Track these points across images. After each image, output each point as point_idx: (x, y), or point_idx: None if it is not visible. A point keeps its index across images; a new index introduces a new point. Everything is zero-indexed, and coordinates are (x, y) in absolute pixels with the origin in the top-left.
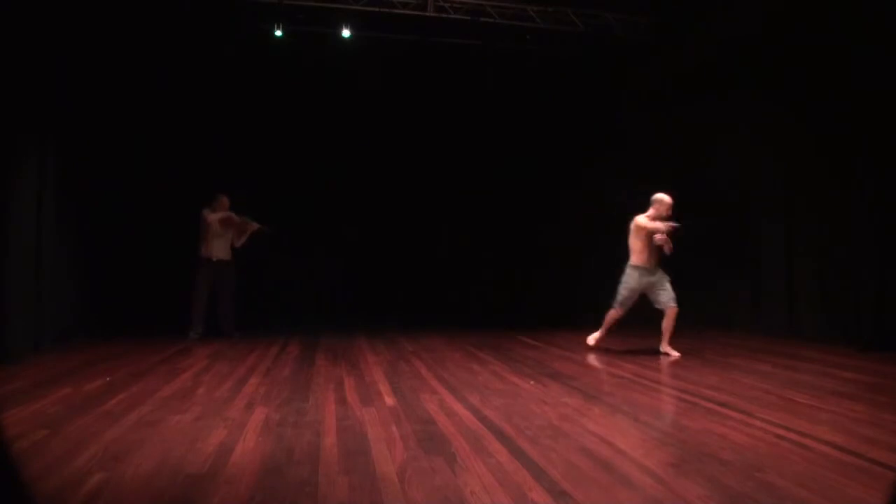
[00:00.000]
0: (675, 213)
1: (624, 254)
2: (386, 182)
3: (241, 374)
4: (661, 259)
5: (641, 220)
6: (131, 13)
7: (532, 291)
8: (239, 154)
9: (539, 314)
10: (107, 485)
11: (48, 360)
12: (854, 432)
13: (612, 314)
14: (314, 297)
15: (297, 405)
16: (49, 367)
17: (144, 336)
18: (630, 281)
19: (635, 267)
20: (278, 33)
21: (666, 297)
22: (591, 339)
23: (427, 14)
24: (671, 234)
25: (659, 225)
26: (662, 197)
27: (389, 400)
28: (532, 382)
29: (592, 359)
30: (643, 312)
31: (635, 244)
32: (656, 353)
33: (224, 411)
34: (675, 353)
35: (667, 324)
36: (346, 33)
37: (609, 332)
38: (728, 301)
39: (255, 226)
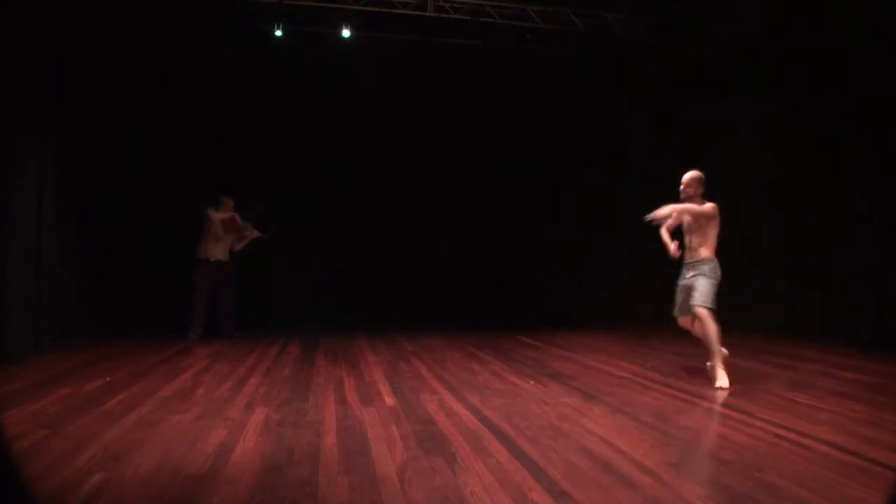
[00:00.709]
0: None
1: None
2: (386, 182)
3: (241, 374)
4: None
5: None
6: (131, 13)
7: (532, 291)
8: (239, 154)
9: (539, 314)
10: (107, 485)
11: (48, 360)
12: (854, 432)
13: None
14: (314, 297)
15: (297, 405)
16: (49, 367)
17: (144, 336)
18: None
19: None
20: (278, 33)
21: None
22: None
23: (427, 14)
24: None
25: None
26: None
27: (389, 400)
28: (532, 382)
29: (592, 359)
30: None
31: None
32: (656, 353)
33: (224, 411)
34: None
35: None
36: (346, 33)
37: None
38: (728, 301)
39: (255, 233)
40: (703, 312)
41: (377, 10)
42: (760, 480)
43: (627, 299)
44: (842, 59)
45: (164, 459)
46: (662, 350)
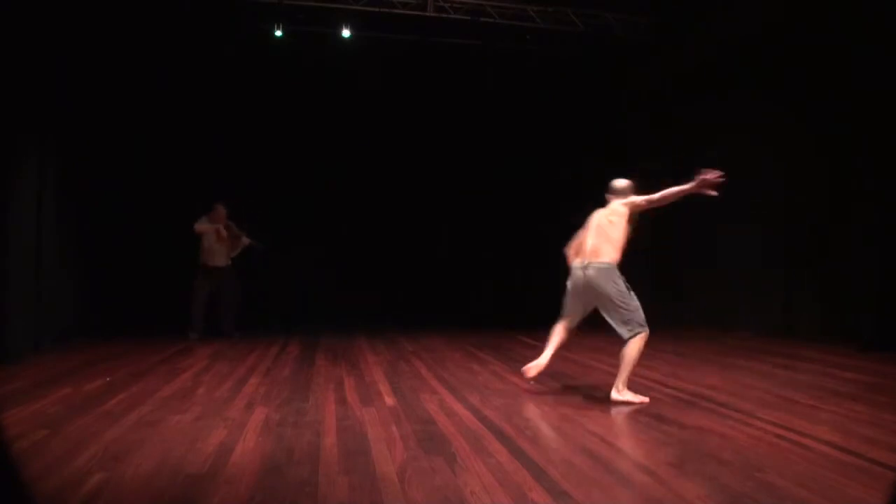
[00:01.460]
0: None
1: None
2: (386, 182)
3: (241, 374)
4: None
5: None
6: (131, 13)
7: (532, 291)
8: (239, 154)
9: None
10: (107, 485)
11: (48, 360)
12: (854, 432)
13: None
14: (314, 297)
15: (297, 405)
16: (49, 367)
17: (144, 336)
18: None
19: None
20: (278, 33)
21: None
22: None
23: (427, 14)
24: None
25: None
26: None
27: (389, 400)
28: (532, 382)
29: (592, 359)
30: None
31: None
32: (656, 353)
33: (224, 411)
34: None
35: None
36: (346, 33)
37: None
38: (728, 301)
39: (246, 241)
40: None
41: (377, 10)
42: (760, 480)
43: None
44: (842, 59)
45: (164, 459)
46: (662, 350)
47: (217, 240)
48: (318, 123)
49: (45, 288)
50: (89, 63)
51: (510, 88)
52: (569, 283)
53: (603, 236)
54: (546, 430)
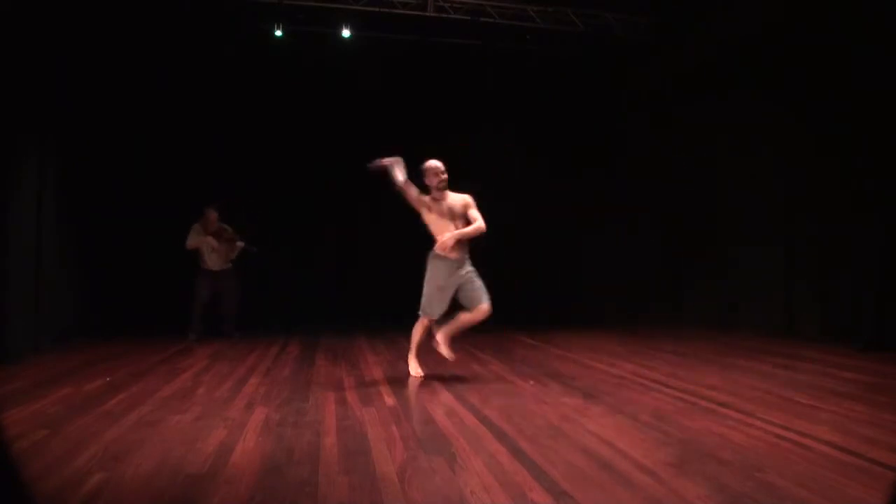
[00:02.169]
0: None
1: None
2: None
3: (241, 374)
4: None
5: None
6: (131, 13)
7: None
8: (239, 154)
9: (539, 314)
10: (107, 485)
11: (48, 360)
12: (854, 432)
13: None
14: (314, 297)
15: (297, 405)
16: (49, 367)
17: (144, 336)
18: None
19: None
20: (278, 33)
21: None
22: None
23: (427, 14)
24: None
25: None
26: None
27: (389, 400)
28: (532, 382)
29: (592, 359)
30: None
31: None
32: (656, 353)
33: (224, 411)
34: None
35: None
36: (346, 33)
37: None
38: (728, 301)
39: (240, 245)
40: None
41: (377, 10)
42: (760, 480)
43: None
44: (842, 59)
45: (164, 459)
46: (662, 350)
47: (213, 248)
48: (318, 123)
49: (45, 288)
50: (89, 63)
51: (510, 88)
52: (430, 271)
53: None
54: (546, 429)
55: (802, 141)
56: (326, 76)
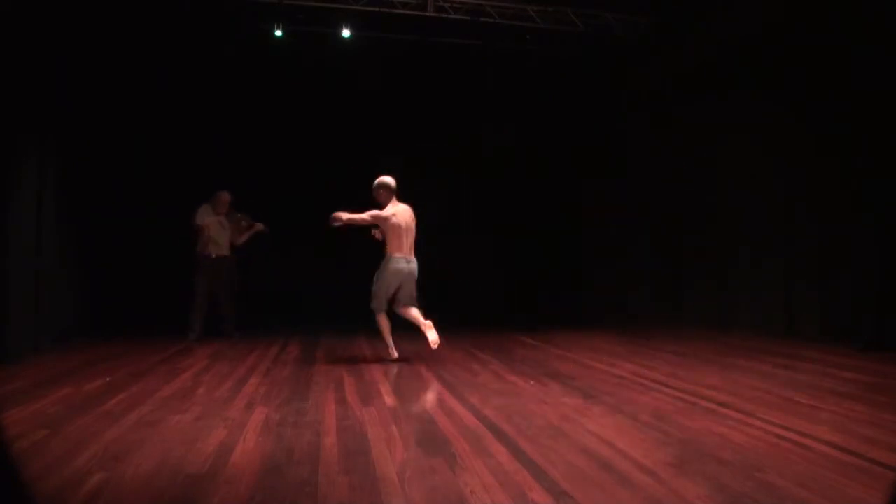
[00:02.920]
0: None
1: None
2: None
3: (241, 374)
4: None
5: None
6: (131, 13)
7: (532, 291)
8: (239, 154)
9: (539, 314)
10: (107, 485)
11: (48, 360)
12: (854, 432)
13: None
14: (314, 297)
15: (297, 405)
16: (49, 367)
17: (144, 336)
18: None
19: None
20: (278, 33)
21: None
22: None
23: (427, 14)
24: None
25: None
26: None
27: (389, 400)
28: (532, 382)
29: (592, 359)
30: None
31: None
32: (656, 353)
33: (224, 411)
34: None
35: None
36: (346, 33)
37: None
38: (727, 301)
39: (257, 225)
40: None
41: (377, 10)
42: (760, 480)
43: (626, 299)
44: (842, 59)
45: (164, 459)
46: (662, 350)
47: (220, 229)
48: (318, 123)
49: (45, 288)
50: (89, 63)
51: (510, 88)
52: (394, 274)
53: (413, 236)
54: (546, 429)
55: (802, 141)
56: (326, 76)
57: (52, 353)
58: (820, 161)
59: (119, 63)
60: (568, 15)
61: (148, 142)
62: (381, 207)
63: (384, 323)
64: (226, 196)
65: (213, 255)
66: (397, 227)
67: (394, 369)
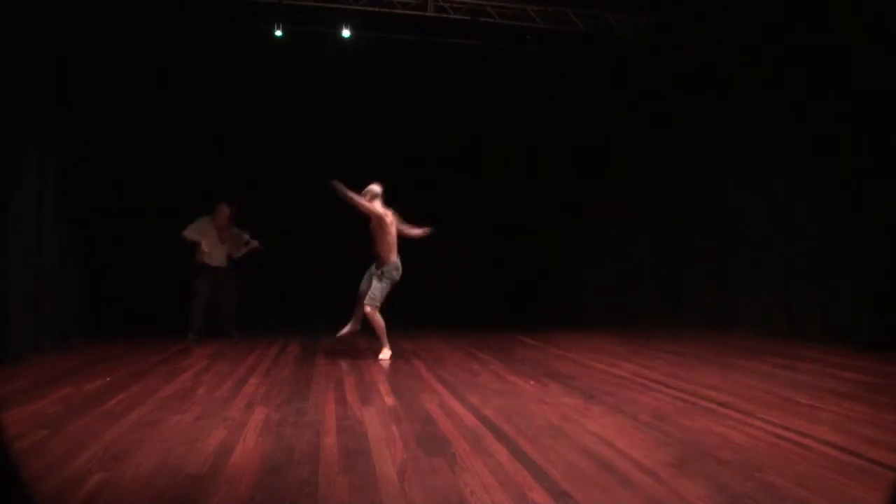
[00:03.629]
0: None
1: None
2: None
3: (241, 374)
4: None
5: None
6: (131, 13)
7: (532, 291)
8: (239, 154)
9: (539, 314)
10: (107, 485)
11: (48, 360)
12: (854, 432)
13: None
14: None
15: (297, 405)
16: (49, 367)
17: (144, 336)
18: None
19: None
20: (278, 33)
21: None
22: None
23: (427, 14)
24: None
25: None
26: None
27: (389, 400)
28: (532, 382)
29: (592, 359)
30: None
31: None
32: (656, 353)
33: (224, 411)
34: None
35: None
36: (346, 33)
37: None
38: (727, 301)
39: (253, 243)
40: (368, 310)
41: (377, 10)
42: (760, 480)
43: (626, 299)
44: (842, 59)
45: (164, 459)
46: (662, 350)
47: (218, 241)
48: (318, 123)
49: (45, 288)
50: (89, 63)
51: (510, 88)
52: (394, 278)
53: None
54: (546, 430)
55: (802, 141)
56: (326, 76)
57: (52, 353)
58: (820, 161)
59: (119, 63)
60: (568, 15)
61: (148, 142)
62: None
63: (380, 321)
64: (225, 209)
65: (213, 265)
66: (390, 227)
67: (394, 369)
